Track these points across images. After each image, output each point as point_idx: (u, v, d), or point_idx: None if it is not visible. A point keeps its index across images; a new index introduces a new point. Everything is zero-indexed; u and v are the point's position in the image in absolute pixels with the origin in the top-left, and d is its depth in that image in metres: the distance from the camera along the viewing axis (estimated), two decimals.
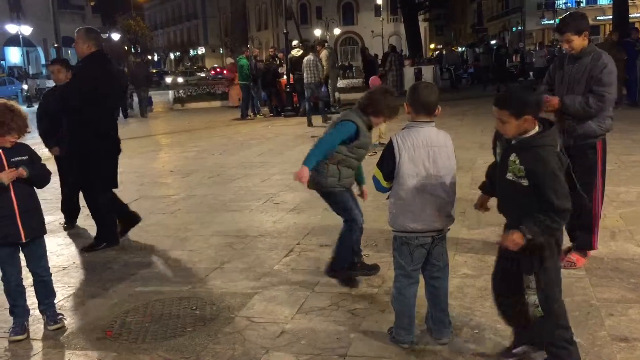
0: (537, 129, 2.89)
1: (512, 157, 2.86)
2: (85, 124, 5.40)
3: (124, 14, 70.92)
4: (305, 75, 14.96)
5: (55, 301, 4.34)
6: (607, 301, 3.87)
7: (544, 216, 2.78)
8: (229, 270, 4.89)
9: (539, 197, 2.77)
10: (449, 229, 3.40)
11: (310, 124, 14.61)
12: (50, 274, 4.08)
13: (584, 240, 4.57)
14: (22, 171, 3.73)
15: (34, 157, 3.93)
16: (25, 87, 33.67)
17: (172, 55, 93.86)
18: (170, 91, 29.67)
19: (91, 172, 5.51)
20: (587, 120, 4.30)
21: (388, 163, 3.27)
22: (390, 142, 3.26)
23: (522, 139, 2.88)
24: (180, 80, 50.87)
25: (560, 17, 4.43)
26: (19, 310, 3.92)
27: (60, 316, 4.05)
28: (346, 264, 4.43)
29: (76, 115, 5.40)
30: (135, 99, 21.85)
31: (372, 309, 3.97)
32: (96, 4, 58.56)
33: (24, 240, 3.82)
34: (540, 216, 2.79)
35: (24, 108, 3.99)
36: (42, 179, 3.94)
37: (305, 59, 15.14)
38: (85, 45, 5.41)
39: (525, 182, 2.82)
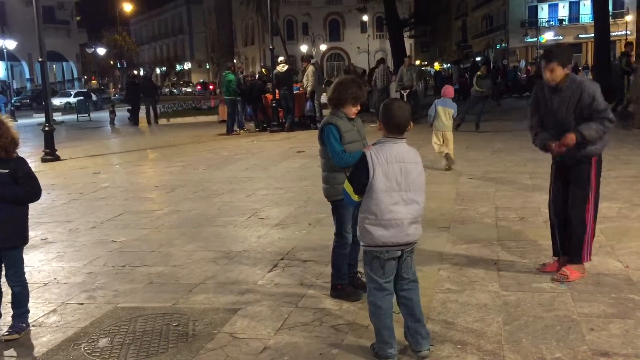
0: None
1: None
2: None
3: (109, 28, 70.93)
4: (378, 82, 18.92)
5: (36, 317, 4.32)
6: (588, 316, 3.90)
7: None
8: (213, 286, 4.86)
9: None
10: (416, 242, 3.43)
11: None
12: (21, 286, 4.11)
13: (574, 253, 4.58)
14: None
15: (20, 173, 3.94)
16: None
17: (158, 70, 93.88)
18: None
19: None
20: (590, 144, 4.38)
21: (361, 177, 3.30)
22: (364, 156, 3.30)
23: None
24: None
25: (548, 46, 4.60)
26: None
27: (19, 329, 4.05)
28: (344, 278, 4.47)
29: None
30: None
31: (355, 325, 3.97)
32: (82, 19, 58.48)
33: None
34: None
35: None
36: (12, 198, 3.96)
37: (377, 69, 18.88)
38: None
39: None
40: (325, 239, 5.94)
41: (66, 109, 36.22)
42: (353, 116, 4.30)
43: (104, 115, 27.58)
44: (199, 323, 4.13)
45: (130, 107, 24.12)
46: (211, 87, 56.69)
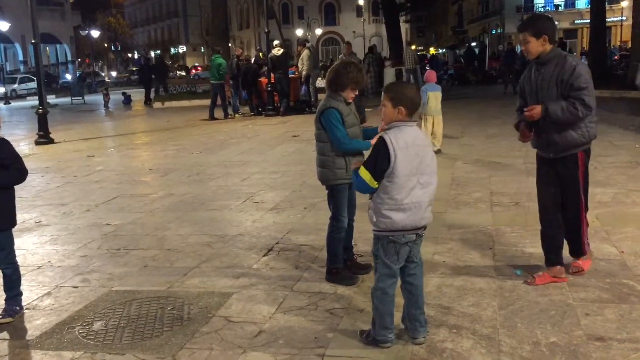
0: None
1: None
2: None
3: (104, 11, 70.29)
4: (407, 63, 21.10)
5: (30, 300, 4.31)
6: (584, 301, 3.91)
7: None
8: (208, 270, 4.85)
9: None
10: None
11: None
12: (13, 268, 4.11)
13: (576, 248, 4.38)
14: None
15: (4, 154, 3.93)
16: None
17: (152, 54, 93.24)
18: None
19: None
20: (567, 129, 4.03)
21: (382, 163, 3.25)
22: (384, 141, 3.25)
23: None
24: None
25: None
26: None
27: (13, 312, 4.04)
28: (339, 262, 4.47)
29: None
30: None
31: (351, 309, 3.96)
32: (76, 1, 57.78)
33: None
34: None
35: None
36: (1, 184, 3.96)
37: (406, 51, 21.38)
38: None
39: None
40: (320, 223, 5.93)
41: (11, 96, 33.77)
42: (351, 100, 4.27)
43: (99, 98, 27.41)
44: (194, 306, 4.12)
45: (125, 92, 24.44)
46: (199, 69, 56.41)
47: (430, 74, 10.14)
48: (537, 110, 4.02)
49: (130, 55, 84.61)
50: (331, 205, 4.42)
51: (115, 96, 26.86)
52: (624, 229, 5.37)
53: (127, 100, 25.54)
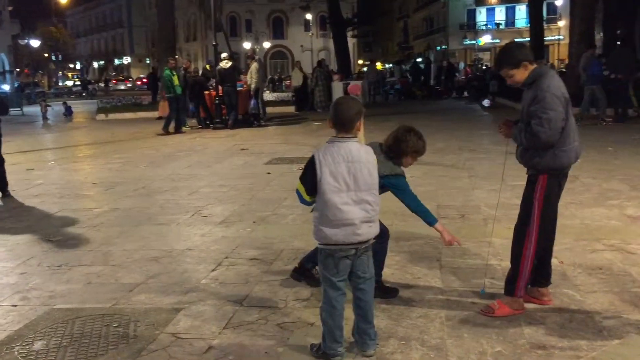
0: None
1: None
2: None
3: (44, 20, 68.37)
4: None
5: None
6: (527, 310, 4.02)
7: None
8: (154, 286, 4.75)
9: None
10: (373, 241, 3.44)
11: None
12: None
13: (507, 284, 4.03)
14: None
15: None
16: None
17: (95, 64, 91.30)
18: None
19: None
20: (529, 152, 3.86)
21: (310, 178, 3.29)
22: (312, 157, 3.30)
23: None
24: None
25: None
26: None
27: None
28: (310, 264, 4.58)
29: None
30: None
31: (301, 322, 3.96)
32: (14, 9, 55.92)
33: None
34: None
35: None
36: None
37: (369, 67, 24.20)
38: None
39: None
40: (270, 236, 5.93)
41: None
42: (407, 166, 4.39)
43: (38, 109, 26.60)
44: (141, 324, 4.02)
45: (66, 103, 23.77)
46: (141, 82, 55.50)
47: (352, 87, 10.81)
48: (506, 131, 3.96)
49: (72, 65, 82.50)
50: None
51: (57, 107, 26.12)
52: (563, 240, 5.55)
53: (69, 112, 24.86)
